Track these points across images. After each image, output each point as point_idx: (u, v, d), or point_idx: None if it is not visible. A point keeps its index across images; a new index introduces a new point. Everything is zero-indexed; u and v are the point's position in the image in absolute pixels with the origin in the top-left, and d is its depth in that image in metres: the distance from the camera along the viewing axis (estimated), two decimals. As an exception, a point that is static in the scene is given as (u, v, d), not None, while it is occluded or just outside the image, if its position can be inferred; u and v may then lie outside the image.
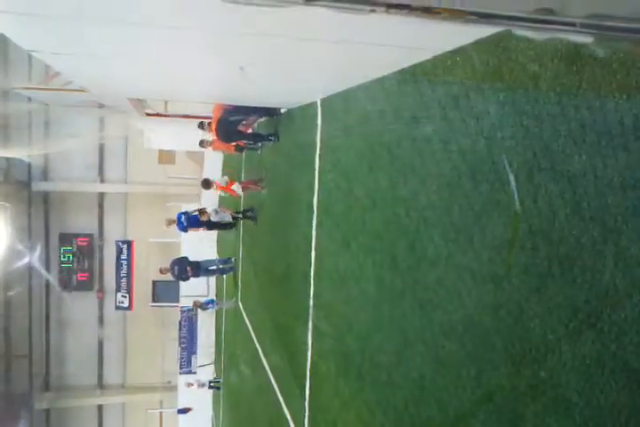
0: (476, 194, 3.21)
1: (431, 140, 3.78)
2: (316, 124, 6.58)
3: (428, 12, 2.09)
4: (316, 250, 6.49)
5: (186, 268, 12.95)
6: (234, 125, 9.59)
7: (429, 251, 3.77)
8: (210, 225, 12.33)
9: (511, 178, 2.84)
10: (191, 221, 11.69)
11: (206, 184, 11.13)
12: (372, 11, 2.11)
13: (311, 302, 6.53)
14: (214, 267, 14.67)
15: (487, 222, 3.10)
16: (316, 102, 6.67)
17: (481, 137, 3.17)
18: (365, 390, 4.90)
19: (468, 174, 3.28)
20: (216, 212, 12.19)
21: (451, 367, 3.44)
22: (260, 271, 11.27)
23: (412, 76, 3.99)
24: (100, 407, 24.35)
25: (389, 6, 2.07)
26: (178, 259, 13.40)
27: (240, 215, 12.62)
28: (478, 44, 3.06)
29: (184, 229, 11.86)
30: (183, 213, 11.85)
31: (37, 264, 22.47)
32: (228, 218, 12.39)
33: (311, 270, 6.56)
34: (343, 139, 5.85)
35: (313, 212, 6.56)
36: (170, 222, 11.94)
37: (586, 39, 2.18)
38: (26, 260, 21.79)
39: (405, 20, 2.16)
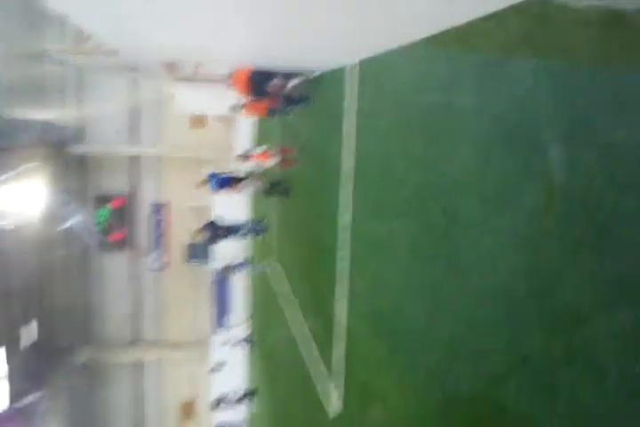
0: (512, 160, 3.19)
1: (463, 106, 3.73)
2: (349, 88, 6.50)
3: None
4: (348, 213, 6.52)
5: (218, 230, 13.16)
6: (264, 83, 9.54)
7: (463, 215, 3.77)
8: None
9: (548, 144, 2.80)
10: (222, 182, 11.86)
11: (244, 157, 11.70)
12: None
13: (344, 265, 6.61)
14: (246, 229, 14.85)
15: (522, 188, 3.08)
16: (349, 66, 6.57)
17: (515, 104, 3.12)
18: (398, 351, 5.00)
19: (504, 140, 3.25)
20: (247, 184, 12.33)
21: (484, 330, 3.48)
22: (292, 234, 11.39)
23: (445, 41, 3.90)
24: (137, 363, 25.32)
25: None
26: (210, 221, 13.59)
27: (272, 188, 12.59)
28: (513, 10, 2.98)
29: (218, 187, 12.04)
30: (212, 173, 12.01)
31: (74, 224, 23.02)
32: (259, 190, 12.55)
33: (344, 234, 6.61)
34: (376, 103, 5.78)
35: (346, 176, 6.56)
36: (201, 184, 12.09)
37: (632, 6, 2.10)
38: (63, 220, 22.33)
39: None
